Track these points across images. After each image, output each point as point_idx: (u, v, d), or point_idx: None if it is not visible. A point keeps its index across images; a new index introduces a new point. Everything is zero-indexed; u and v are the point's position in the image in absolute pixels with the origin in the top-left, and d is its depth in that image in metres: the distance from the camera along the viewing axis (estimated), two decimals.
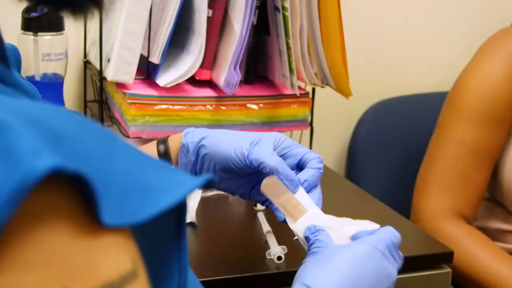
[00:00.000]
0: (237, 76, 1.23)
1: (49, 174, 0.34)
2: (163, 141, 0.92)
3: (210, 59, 1.27)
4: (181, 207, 0.45)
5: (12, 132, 0.35)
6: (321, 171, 0.86)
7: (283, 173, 0.82)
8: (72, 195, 0.36)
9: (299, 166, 0.87)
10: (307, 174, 0.85)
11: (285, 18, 1.24)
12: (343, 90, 1.28)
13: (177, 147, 0.90)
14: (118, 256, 0.37)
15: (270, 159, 0.82)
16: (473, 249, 1.32)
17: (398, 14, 1.75)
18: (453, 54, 1.81)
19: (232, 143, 0.84)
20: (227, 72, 1.24)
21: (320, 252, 0.77)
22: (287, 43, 1.25)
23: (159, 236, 0.46)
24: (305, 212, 0.83)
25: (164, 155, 0.90)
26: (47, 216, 0.35)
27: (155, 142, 0.91)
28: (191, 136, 0.88)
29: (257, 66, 1.38)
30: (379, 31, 1.74)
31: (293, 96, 1.32)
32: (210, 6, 1.24)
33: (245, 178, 0.88)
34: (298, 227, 0.83)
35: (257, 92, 1.32)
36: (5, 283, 0.33)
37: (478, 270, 1.30)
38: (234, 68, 1.24)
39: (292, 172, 0.84)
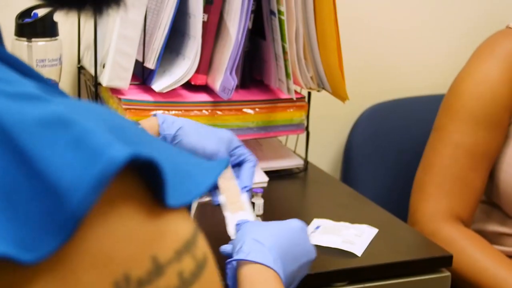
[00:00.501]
0: (233, 81, 1.22)
1: (127, 162, 0.36)
2: None
3: (206, 63, 1.27)
4: None
5: (79, 125, 0.37)
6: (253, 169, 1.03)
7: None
8: (139, 180, 0.39)
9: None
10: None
11: (281, 22, 1.24)
12: (340, 94, 1.28)
13: (154, 133, 0.99)
14: (184, 221, 0.40)
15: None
16: (471, 251, 1.32)
17: (394, 17, 1.75)
18: (448, 57, 1.81)
19: (201, 142, 0.99)
20: (223, 77, 1.23)
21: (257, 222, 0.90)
22: (283, 47, 1.25)
23: None
24: (243, 209, 0.96)
25: None
26: (125, 198, 0.38)
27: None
28: (168, 127, 0.99)
29: (253, 70, 1.37)
30: (374, 34, 1.73)
31: (289, 100, 1.31)
32: (205, 10, 1.24)
33: None
34: (233, 218, 0.94)
35: (253, 97, 1.32)
36: (99, 255, 0.36)
37: (476, 272, 1.30)
38: (230, 73, 1.23)
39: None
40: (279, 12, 1.23)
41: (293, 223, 0.88)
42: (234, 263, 0.82)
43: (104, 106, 0.42)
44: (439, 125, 1.42)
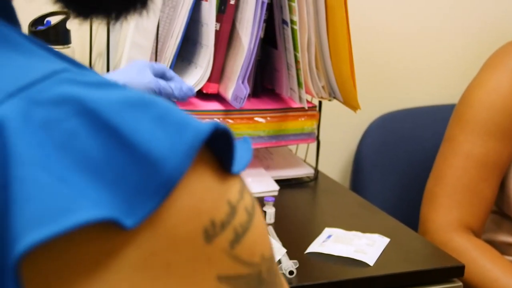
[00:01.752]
0: (246, 90, 1.23)
1: (212, 133, 0.40)
2: None
3: (218, 72, 1.27)
4: None
5: (159, 104, 0.41)
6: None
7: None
8: (208, 149, 0.42)
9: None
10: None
11: (293, 31, 1.24)
12: (351, 103, 1.28)
13: None
14: (234, 185, 0.44)
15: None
16: (482, 262, 1.32)
17: (404, 27, 1.75)
18: (458, 67, 1.81)
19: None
20: (235, 86, 1.24)
21: None
22: (296, 57, 1.25)
23: None
24: None
25: None
26: (204, 162, 0.41)
27: None
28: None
29: (264, 79, 1.38)
30: (385, 44, 1.74)
31: (301, 109, 1.32)
32: (218, 19, 1.24)
33: None
34: None
35: (264, 106, 1.32)
36: (191, 209, 0.40)
37: (487, 283, 1.30)
38: (242, 82, 1.23)
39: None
40: (292, 21, 1.24)
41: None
42: None
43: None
44: (450, 135, 1.42)
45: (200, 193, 0.41)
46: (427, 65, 1.79)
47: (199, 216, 0.41)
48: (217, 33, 1.25)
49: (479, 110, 1.39)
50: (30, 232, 0.36)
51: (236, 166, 0.44)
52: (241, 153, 0.45)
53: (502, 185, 1.42)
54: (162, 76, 1.07)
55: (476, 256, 1.32)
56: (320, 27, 1.26)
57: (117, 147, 0.39)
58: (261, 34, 1.26)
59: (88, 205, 0.37)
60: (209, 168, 0.42)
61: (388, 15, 1.73)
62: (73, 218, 0.36)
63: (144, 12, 0.52)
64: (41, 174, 0.37)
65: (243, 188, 0.45)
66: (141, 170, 0.39)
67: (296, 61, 1.26)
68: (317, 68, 1.28)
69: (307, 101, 1.31)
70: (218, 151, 0.43)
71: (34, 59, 0.43)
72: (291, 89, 1.30)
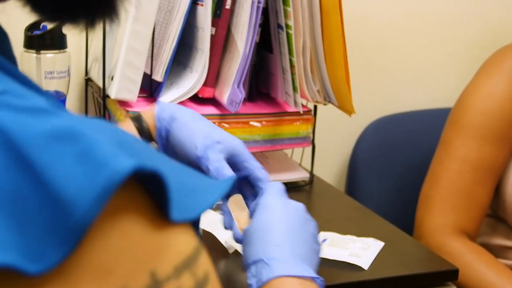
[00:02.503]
0: (241, 94, 1.23)
1: (131, 174, 0.37)
2: (137, 118, 0.94)
3: (213, 76, 1.28)
4: None
5: (87, 138, 0.37)
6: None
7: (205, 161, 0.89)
8: (144, 193, 0.39)
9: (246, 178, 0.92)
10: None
11: (288, 36, 1.24)
12: (346, 107, 1.29)
13: (153, 124, 0.92)
14: (186, 236, 0.41)
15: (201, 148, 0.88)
16: (477, 265, 1.32)
17: (399, 31, 1.76)
18: (452, 71, 1.81)
19: (191, 137, 0.89)
20: (230, 90, 1.24)
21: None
22: (291, 61, 1.26)
23: None
24: None
25: (143, 132, 0.92)
26: (128, 210, 0.38)
27: (129, 119, 0.94)
28: (163, 118, 0.91)
29: (259, 83, 1.38)
30: (380, 49, 1.74)
31: (296, 113, 1.32)
32: (213, 24, 1.25)
33: None
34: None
35: (259, 110, 1.32)
36: (100, 267, 0.36)
37: (482, 286, 1.30)
38: (238, 86, 1.24)
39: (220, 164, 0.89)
40: (287, 26, 1.24)
41: (293, 206, 0.84)
42: (255, 282, 0.76)
43: (111, 122, 0.43)
44: (446, 139, 1.43)
45: (115, 250, 0.37)
46: (422, 69, 1.80)
47: (108, 279, 0.37)
48: (213, 37, 1.25)
49: (475, 114, 1.39)
50: None
51: (179, 214, 0.39)
52: (196, 195, 0.41)
53: (497, 189, 1.42)
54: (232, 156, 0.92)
55: (471, 259, 1.33)
56: (315, 32, 1.26)
57: (32, 184, 0.36)
58: (256, 38, 1.26)
59: None
60: (136, 218, 0.38)
61: (383, 20, 1.73)
62: None
63: (114, 20, 0.51)
64: None
65: (188, 254, 0.40)
66: (53, 212, 0.36)
67: (291, 66, 1.26)
68: (312, 72, 1.28)
69: (302, 105, 1.31)
70: (158, 196, 0.39)
71: None
72: (286, 93, 1.30)
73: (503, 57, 1.43)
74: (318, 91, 1.30)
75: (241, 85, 1.24)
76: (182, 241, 0.40)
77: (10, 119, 0.37)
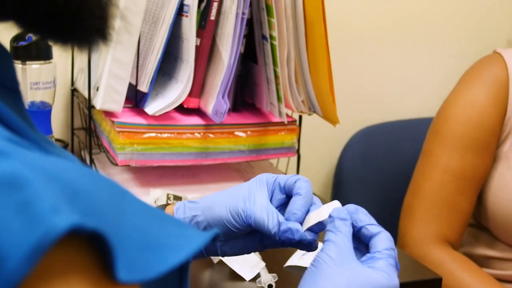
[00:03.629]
0: (226, 105, 1.24)
1: (68, 232, 0.35)
2: None
3: (198, 87, 1.28)
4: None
5: (31, 187, 0.36)
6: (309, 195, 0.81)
7: (283, 235, 0.77)
8: (88, 251, 0.37)
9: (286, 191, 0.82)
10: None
11: (273, 47, 1.25)
12: (331, 117, 1.30)
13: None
14: None
15: (270, 224, 0.76)
16: (460, 274, 1.33)
17: (383, 42, 1.77)
18: (436, 81, 1.83)
19: (225, 205, 0.79)
20: (215, 101, 1.25)
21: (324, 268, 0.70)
22: (275, 72, 1.27)
23: None
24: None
25: None
26: (63, 272, 0.36)
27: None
28: (182, 212, 0.81)
29: (244, 93, 1.39)
30: (364, 59, 1.76)
31: (281, 123, 1.33)
32: (198, 35, 1.26)
33: (246, 238, 0.82)
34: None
35: (244, 120, 1.33)
36: None
37: None
38: (223, 97, 1.25)
39: (295, 225, 0.77)
40: (271, 37, 1.25)
41: (375, 281, 0.70)
42: None
43: (81, 166, 0.41)
44: (427, 149, 1.44)
45: None
46: (406, 79, 1.81)
47: None
48: (198, 48, 1.26)
49: (456, 124, 1.40)
50: None
51: (129, 274, 0.37)
52: (159, 252, 0.39)
53: (479, 198, 1.43)
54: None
55: (454, 268, 1.34)
56: (299, 42, 1.27)
57: None
58: (241, 49, 1.27)
59: None
60: (76, 279, 0.36)
61: (367, 31, 1.75)
62: None
63: (104, 44, 0.51)
64: None
65: None
66: None
67: (276, 76, 1.27)
68: (296, 82, 1.29)
69: (287, 116, 1.32)
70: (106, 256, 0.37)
71: None
72: (271, 103, 1.31)
73: (483, 67, 1.44)
74: (302, 101, 1.31)
75: (226, 96, 1.25)
76: None
77: None
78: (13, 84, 0.52)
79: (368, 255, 0.73)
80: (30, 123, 0.51)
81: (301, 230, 0.77)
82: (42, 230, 0.34)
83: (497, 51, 1.46)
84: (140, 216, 0.41)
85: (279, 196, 0.81)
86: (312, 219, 0.78)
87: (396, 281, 0.71)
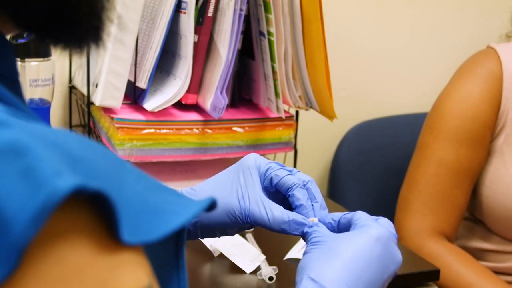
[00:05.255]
0: (224, 100, 1.25)
1: (71, 194, 0.35)
2: None
3: (196, 83, 1.30)
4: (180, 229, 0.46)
5: (33, 154, 0.36)
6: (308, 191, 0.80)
7: (289, 229, 0.76)
8: (91, 213, 0.38)
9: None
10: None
11: (270, 43, 1.26)
12: (328, 112, 1.31)
13: None
14: (136, 271, 0.39)
15: (272, 223, 0.76)
16: (456, 266, 1.35)
17: (378, 39, 1.78)
18: (431, 76, 1.84)
19: (222, 206, 0.77)
20: (213, 96, 1.26)
21: (322, 242, 0.72)
22: (273, 67, 1.28)
23: (160, 256, 0.48)
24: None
25: None
26: (68, 234, 0.36)
27: None
28: None
29: (242, 89, 1.40)
30: (360, 55, 1.77)
31: (278, 119, 1.34)
32: (196, 31, 1.27)
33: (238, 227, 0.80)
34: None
35: (242, 116, 1.34)
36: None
37: (461, 287, 1.33)
38: (221, 92, 1.26)
39: (298, 216, 0.77)
40: (269, 33, 1.26)
41: (362, 239, 0.71)
42: None
43: (79, 135, 0.42)
44: (422, 143, 1.45)
45: (53, 277, 0.36)
46: (400, 75, 1.83)
47: None
48: (196, 44, 1.27)
49: (450, 118, 1.41)
50: None
51: (132, 235, 0.38)
52: (159, 216, 0.40)
53: (474, 191, 1.45)
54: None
55: (450, 261, 1.35)
56: (296, 38, 1.28)
57: None
58: (238, 45, 1.28)
59: None
60: (80, 241, 0.37)
61: (363, 27, 1.76)
62: None
63: (99, 46, 0.51)
64: None
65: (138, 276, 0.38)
66: None
67: (273, 72, 1.28)
68: (294, 78, 1.30)
69: (284, 111, 1.33)
70: (109, 218, 0.38)
71: None
72: (268, 99, 1.32)
73: (477, 62, 1.45)
74: (299, 96, 1.32)
75: (224, 91, 1.26)
76: (129, 275, 0.39)
77: None
78: (12, 74, 0.52)
79: (352, 226, 0.75)
80: (28, 111, 0.51)
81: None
82: (46, 192, 0.35)
83: (491, 46, 1.47)
84: (140, 183, 0.42)
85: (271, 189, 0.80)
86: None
87: (382, 229, 0.73)
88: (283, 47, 1.27)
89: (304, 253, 0.73)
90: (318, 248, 0.71)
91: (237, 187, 0.77)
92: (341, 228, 0.76)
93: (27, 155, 0.36)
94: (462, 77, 1.45)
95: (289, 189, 0.77)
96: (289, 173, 0.78)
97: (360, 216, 0.76)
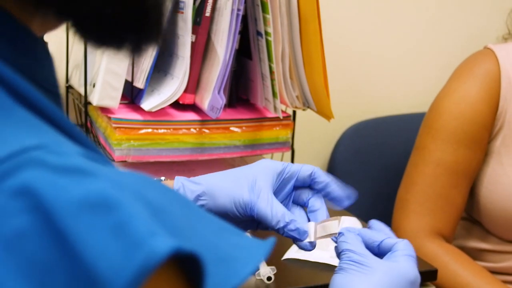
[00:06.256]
0: (222, 100, 1.25)
1: (169, 256, 0.35)
2: None
3: (194, 83, 1.29)
4: None
5: (123, 209, 0.36)
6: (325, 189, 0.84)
7: (288, 231, 0.78)
8: (179, 273, 0.38)
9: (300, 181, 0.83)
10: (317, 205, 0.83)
11: (268, 43, 1.26)
12: (325, 112, 1.31)
13: None
14: None
15: (273, 218, 0.77)
16: (453, 267, 1.35)
17: (376, 38, 1.78)
18: (428, 77, 1.85)
19: (228, 194, 0.78)
20: (211, 96, 1.26)
21: (363, 264, 0.72)
22: (270, 67, 1.28)
23: None
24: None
25: None
26: None
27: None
28: (183, 193, 0.80)
29: (239, 89, 1.40)
30: (357, 56, 1.77)
31: (276, 119, 1.34)
32: (193, 31, 1.26)
33: (245, 223, 0.82)
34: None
35: (240, 115, 1.34)
36: None
37: (459, 287, 1.33)
38: (218, 92, 1.26)
39: (297, 224, 0.78)
40: (266, 33, 1.26)
41: (405, 273, 0.72)
42: None
43: (142, 176, 0.41)
44: (420, 143, 1.45)
45: None
46: (397, 75, 1.83)
47: None
48: (193, 44, 1.27)
49: (449, 119, 1.41)
50: None
51: None
52: (231, 265, 0.40)
53: (472, 192, 1.45)
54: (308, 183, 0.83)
55: (447, 261, 1.35)
56: (294, 38, 1.28)
57: (64, 255, 0.35)
58: (236, 45, 1.28)
59: None
60: None
61: (360, 27, 1.76)
62: None
63: (158, 42, 0.50)
64: None
65: None
66: (85, 287, 0.34)
67: (271, 72, 1.28)
68: (291, 78, 1.30)
69: (282, 111, 1.33)
70: (193, 273, 0.38)
71: (7, 129, 0.39)
72: (266, 99, 1.32)
73: (475, 62, 1.45)
74: (297, 96, 1.32)
75: (221, 91, 1.26)
76: None
77: (43, 181, 0.36)
78: (54, 88, 0.52)
79: (387, 255, 0.75)
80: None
81: (307, 233, 0.79)
82: (145, 254, 0.35)
83: (488, 46, 1.47)
84: (207, 228, 0.41)
85: (287, 187, 0.82)
86: (322, 230, 0.80)
87: (418, 273, 0.74)
88: (281, 47, 1.27)
89: (340, 269, 0.73)
90: (359, 272, 0.71)
91: (247, 179, 0.79)
92: (381, 251, 0.76)
93: (117, 211, 0.35)
94: (460, 78, 1.45)
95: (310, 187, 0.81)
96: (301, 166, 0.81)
97: (404, 248, 0.75)
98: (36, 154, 0.37)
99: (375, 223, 0.81)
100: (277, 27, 1.25)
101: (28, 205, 0.35)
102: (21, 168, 0.36)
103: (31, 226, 0.35)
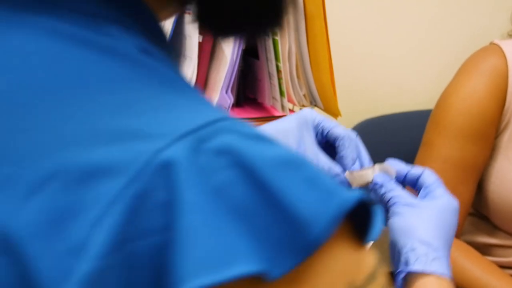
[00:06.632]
0: (229, 100, 1.26)
1: (356, 205, 0.42)
2: None
3: (201, 83, 1.30)
4: None
5: (308, 167, 0.42)
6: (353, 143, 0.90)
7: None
8: (348, 219, 0.44)
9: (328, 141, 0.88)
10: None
11: (274, 42, 1.27)
12: (332, 110, 1.32)
13: None
14: (371, 253, 0.47)
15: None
16: (461, 262, 1.35)
17: (382, 36, 1.79)
18: (433, 74, 1.85)
19: None
20: (219, 96, 1.27)
21: (415, 205, 0.80)
22: (277, 67, 1.28)
23: None
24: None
25: None
26: (341, 233, 0.44)
27: None
28: None
29: (246, 89, 1.41)
30: (364, 53, 1.78)
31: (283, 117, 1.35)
32: (200, 32, 1.27)
33: None
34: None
35: (247, 115, 1.35)
36: (313, 277, 0.42)
37: (468, 282, 1.33)
38: (226, 92, 1.27)
39: (340, 177, 0.85)
40: (273, 32, 1.27)
41: (449, 205, 0.82)
42: (402, 273, 0.77)
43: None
44: (427, 140, 1.46)
45: (332, 266, 0.43)
46: (403, 73, 1.83)
47: (339, 278, 0.44)
48: (200, 45, 1.28)
49: (455, 115, 1.42)
50: (195, 277, 0.39)
51: (369, 238, 0.46)
52: (376, 224, 0.47)
53: (479, 187, 1.45)
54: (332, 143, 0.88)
55: (455, 256, 1.36)
56: (300, 37, 1.29)
57: (268, 203, 0.41)
58: (243, 45, 1.29)
59: (241, 258, 0.40)
60: (345, 240, 0.44)
61: (366, 25, 1.77)
62: (232, 270, 0.39)
63: (277, 31, 0.55)
64: (204, 222, 0.40)
65: (372, 269, 0.46)
66: (288, 229, 0.41)
67: (278, 71, 1.29)
68: (298, 77, 1.31)
69: (289, 109, 1.34)
70: (356, 219, 0.45)
71: (195, 104, 0.45)
72: (273, 98, 1.33)
73: (481, 58, 1.45)
74: (304, 95, 1.33)
75: (229, 91, 1.27)
76: (369, 258, 0.47)
77: (240, 143, 0.42)
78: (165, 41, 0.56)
79: (422, 192, 0.83)
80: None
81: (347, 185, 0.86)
82: (339, 201, 0.41)
83: (495, 42, 1.47)
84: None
85: (320, 140, 0.87)
86: (359, 179, 0.87)
87: (454, 199, 0.83)
88: (287, 46, 1.28)
89: (394, 214, 0.79)
90: (411, 212, 0.79)
91: (293, 135, 0.84)
92: (408, 182, 0.85)
93: (304, 168, 0.42)
94: (467, 74, 1.45)
95: (337, 139, 0.86)
96: (338, 125, 0.87)
97: (433, 182, 0.84)
98: (226, 123, 0.43)
99: (391, 162, 0.91)
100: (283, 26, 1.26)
101: (231, 161, 0.41)
102: (218, 133, 0.42)
103: (236, 178, 0.40)
